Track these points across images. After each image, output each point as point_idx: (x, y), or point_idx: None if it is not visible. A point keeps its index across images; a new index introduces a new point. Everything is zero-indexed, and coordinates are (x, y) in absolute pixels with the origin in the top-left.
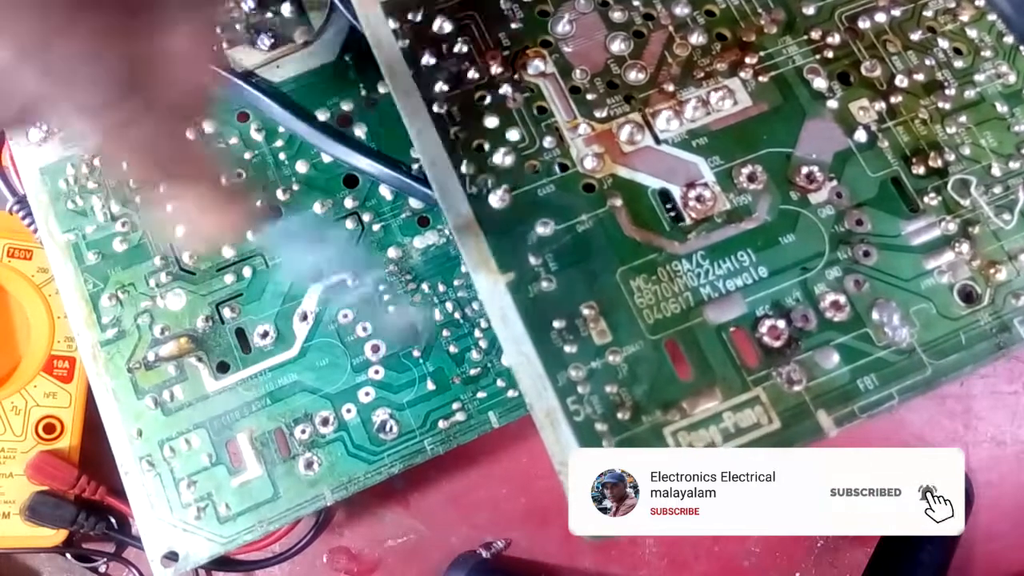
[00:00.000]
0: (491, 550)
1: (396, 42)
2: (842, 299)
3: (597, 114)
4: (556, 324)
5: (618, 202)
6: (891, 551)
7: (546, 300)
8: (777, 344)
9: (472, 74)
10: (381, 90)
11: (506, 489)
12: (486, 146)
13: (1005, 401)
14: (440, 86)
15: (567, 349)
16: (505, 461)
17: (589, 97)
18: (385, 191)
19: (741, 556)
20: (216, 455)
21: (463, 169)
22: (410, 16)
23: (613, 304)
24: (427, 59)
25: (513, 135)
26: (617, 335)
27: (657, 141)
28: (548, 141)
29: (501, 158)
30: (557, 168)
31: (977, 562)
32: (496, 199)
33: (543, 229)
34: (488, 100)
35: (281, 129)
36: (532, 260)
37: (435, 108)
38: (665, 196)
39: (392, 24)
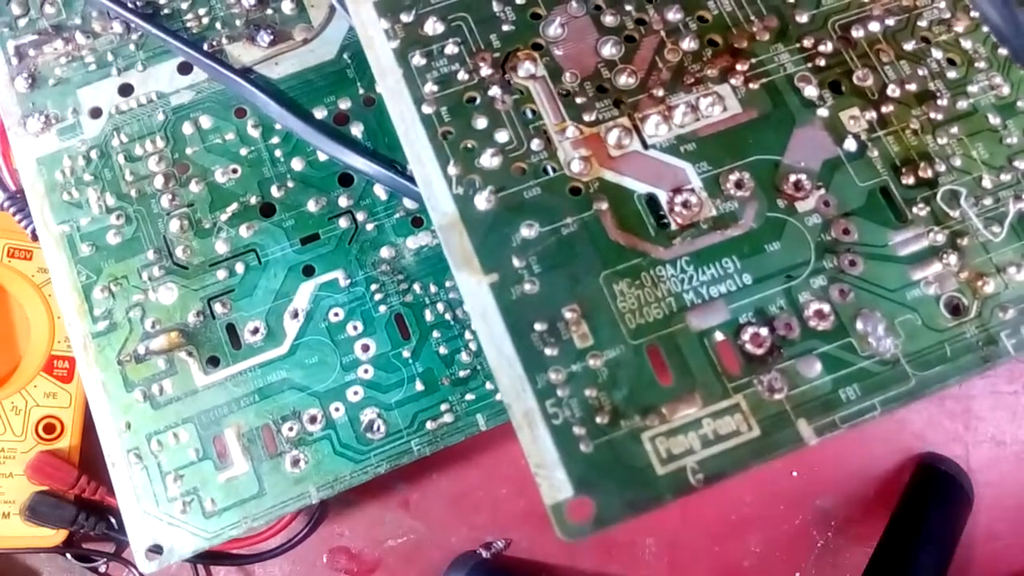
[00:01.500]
0: (491, 550)
1: (387, 42)
2: (826, 308)
3: (586, 117)
4: (538, 326)
5: (604, 206)
6: (891, 551)
7: (528, 302)
8: (759, 352)
9: (462, 75)
10: (379, 89)
11: (506, 489)
12: (474, 147)
13: (1005, 401)
14: (430, 86)
15: (548, 352)
16: (505, 461)
17: (578, 100)
18: (380, 190)
19: (741, 556)
20: (203, 450)
21: (450, 169)
22: (402, 16)
23: (596, 308)
24: (417, 59)
25: (501, 137)
26: (598, 339)
27: (645, 146)
28: (536, 144)
29: (488, 159)
30: (544, 170)
31: (977, 562)
32: (482, 200)
33: (528, 231)
34: (477, 101)
35: (278, 126)
36: (516, 262)
37: (424, 108)
38: (652, 201)
39: (384, 24)
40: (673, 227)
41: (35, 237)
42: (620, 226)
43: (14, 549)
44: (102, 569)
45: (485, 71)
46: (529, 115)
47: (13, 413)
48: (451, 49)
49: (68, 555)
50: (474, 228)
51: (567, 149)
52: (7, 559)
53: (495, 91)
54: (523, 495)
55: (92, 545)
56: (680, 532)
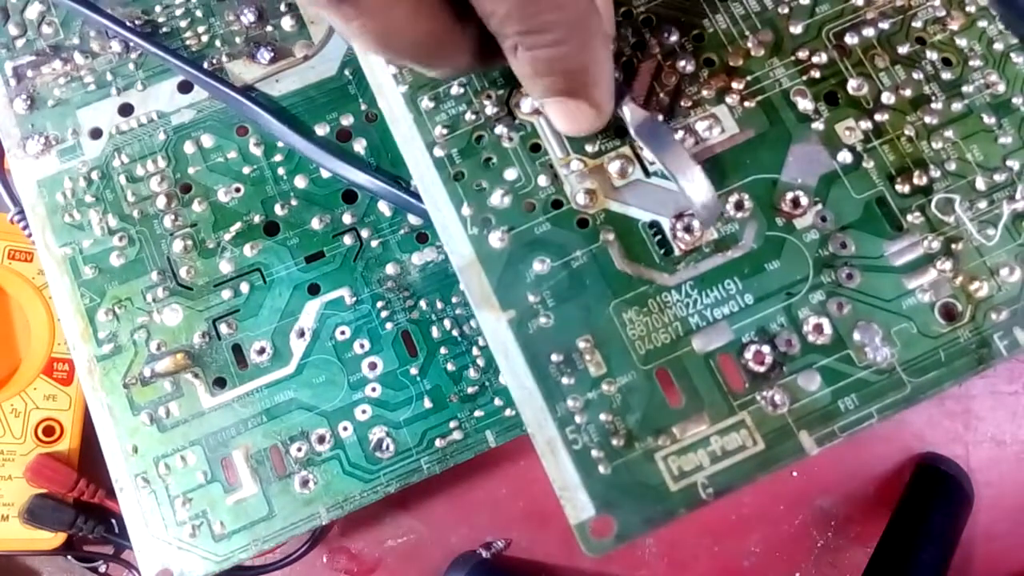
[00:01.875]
0: (491, 550)
1: (396, 87)
2: (825, 322)
3: (588, 149)
4: (554, 358)
5: (611, 236)
6: (891, 551)
7: (545, 335)
8: (762, 369)
9: (469, 115)
10: (395, 137)
11: (506, 489)
12: (485, 187)
13: (1005, 401)
14: (439, 129)
15: (565, 381)
16: (505, 462)
17: None
18: (384, 207)
19: (741, 556)
20: (211, 473)
21: (464, 210)
22: None
23: (607, 337)
24: (426, 103)
25: (510, 174)
26: (611, 366)
27: (647, 173)
28: (543, 179)
29: (499, 199)
30: (551, 205)
31: (977, 562)
32: (496, 239)
33: (540, 266)
34: (485, 140)
35: (280, 144)
36: (531, 297)
37: (436, 152)
38: (655, 227)
39: (392, 69)
40: (677, 253)
41: None
42: (626, 255)
43: (13, 552)
44: (102, 569)
45: (490, 109)
46: (534, 151)
47: (13, 415)
48: (456, 90)
49: (68, 556)
50: (490, 267)
51: (573, 182)
52: (7, 560)
53: (501, 129)
54: (523, 495)
55: (91, 548)
56: (680, 532)
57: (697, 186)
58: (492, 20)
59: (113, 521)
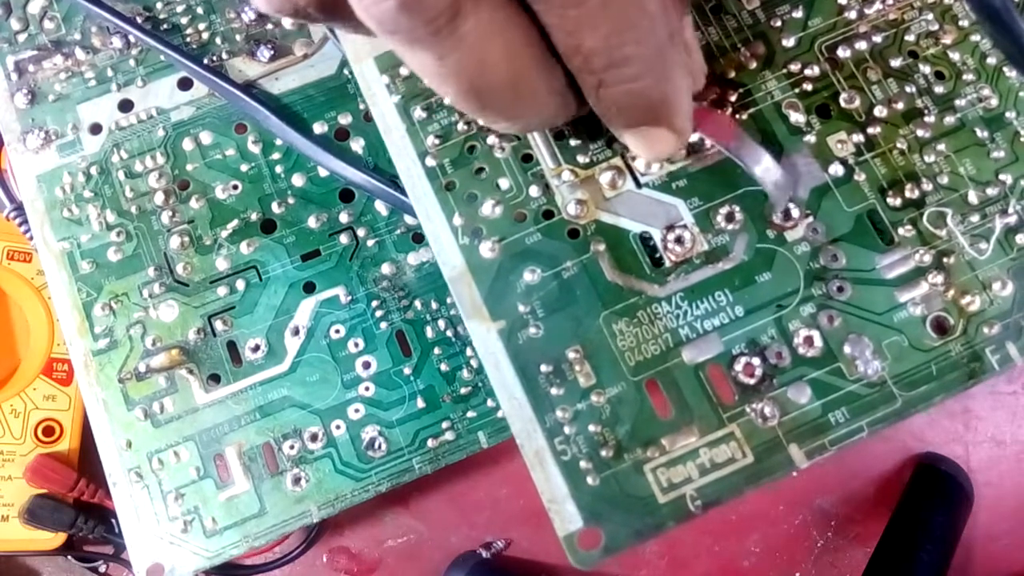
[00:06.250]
0: (491, 550)
1: (389, 97)
2: (815, 335)
3: (580, 159)
4: (544, 368)
5: (601, 247)
6: (891, 551)
7: (534, 346)
8: (752, 381)
9: (461, 126)
10: (387, 145)
11: (506, 489)
12: (476, 196)
13: (1005, 401)
14: (432, 140)
15: (554, 392)
16: (505, 462)
17: (572, 143)
18: (381, 206)
19: (741, 556)
20: (204, 469)
21: (455, 220)
22: (401, 70)
23: (596, 348)
24: (419, 113)
25: (502, 184)
26: (600, 377)
27: (638, 185)
28: (534, 190)
29: (491, 209)
30: (543, 216)
31: (977, 562)
32: (487, 249)
33: (530, 276)
34: (477, 150)
35: (278, 142)
36: (521, 307)
37: (428, 161)
38: (646, 239)
39: (385, 79)
40: (667, 264)
41: None
42: (617, 266)
43: (12, 552)
44: (102, 569)
45: None
46: (526, 161)
47: (12, 416)
48: None
49: (68, 556)
50: (481, 278)
51: (564, 193)
52: (7, 560)
53: (493, 139)
54: (523, 495)
55: (90, 548)
56: (680, 532)
57: (767, 168)
58: (576, 58)
59: (113, 521)
